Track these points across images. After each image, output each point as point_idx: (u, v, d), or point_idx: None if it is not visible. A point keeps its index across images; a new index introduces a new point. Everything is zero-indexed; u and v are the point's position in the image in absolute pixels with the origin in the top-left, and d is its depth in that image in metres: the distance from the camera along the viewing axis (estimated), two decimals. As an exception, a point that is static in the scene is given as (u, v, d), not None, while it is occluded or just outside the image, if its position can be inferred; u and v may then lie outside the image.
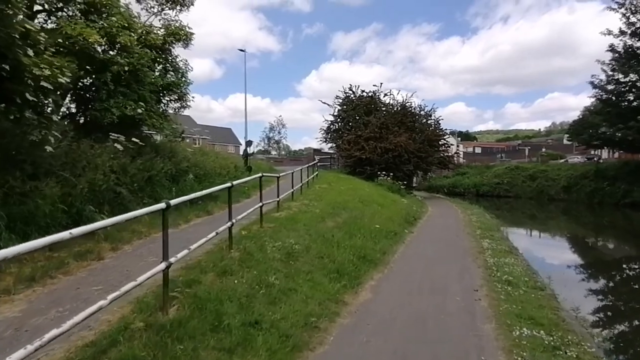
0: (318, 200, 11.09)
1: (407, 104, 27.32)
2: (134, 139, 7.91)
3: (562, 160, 42.50)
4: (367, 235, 8.64)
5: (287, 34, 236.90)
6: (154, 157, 9.18)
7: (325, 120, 28.19)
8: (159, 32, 9.98)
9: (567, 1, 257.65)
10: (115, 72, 8.04)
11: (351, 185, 16.59)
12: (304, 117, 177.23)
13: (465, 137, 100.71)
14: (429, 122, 28.57)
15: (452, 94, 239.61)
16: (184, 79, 10.53)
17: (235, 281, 4.85)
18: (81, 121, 9.18)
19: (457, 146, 39.76)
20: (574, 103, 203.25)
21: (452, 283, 6.53)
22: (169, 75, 10.14)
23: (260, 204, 7.84)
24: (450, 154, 29.75)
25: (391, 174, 23.65)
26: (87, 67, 7.92)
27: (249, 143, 19.46)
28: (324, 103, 31.22)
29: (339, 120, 27.47)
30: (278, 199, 9.61)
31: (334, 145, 27.64)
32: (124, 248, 6.32)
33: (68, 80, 6.08)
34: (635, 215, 25.95)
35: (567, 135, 66.76)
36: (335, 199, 11.71)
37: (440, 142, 27.79)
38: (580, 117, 48.28)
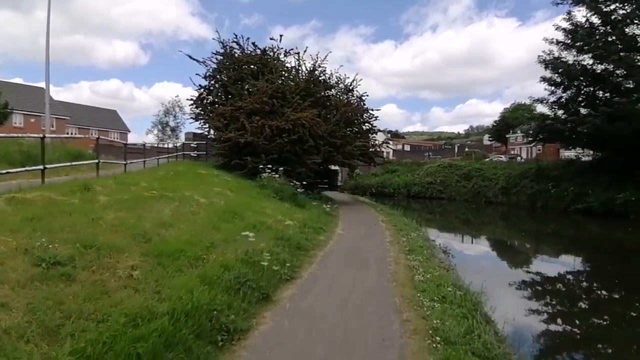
0: None
1: (318, 69, 18.50)
2: None
3: (487, 160, 39.73)
4: None
5: (223, 22, 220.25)
6: None
7: (195, 86, 17.81)
8: None
9: (487, 16, 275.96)
10: None
11: (167, 191, 7.44)
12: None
13: (395, 135, 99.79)
14: (350, 100, 20.54)
15: (384, 95, 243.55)
16: None
17: None
18: None
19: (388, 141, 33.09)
20: (489, 109, 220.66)
21: None
22: None
23: None
24: (377, 144, 21.90)
25: (288, 168, 15.09)
26: None
27: None
28: (192, 58, 18.13)
29: (214, 86, 17.73)
30: None
31: (206, 124, 17.47)
32: None
33: None
34: (590, 224, 21.12)
35: (489, 135, 70.00)
36: None
37: (363, 126, 19.85)
38: (501, 118, 50.77)
